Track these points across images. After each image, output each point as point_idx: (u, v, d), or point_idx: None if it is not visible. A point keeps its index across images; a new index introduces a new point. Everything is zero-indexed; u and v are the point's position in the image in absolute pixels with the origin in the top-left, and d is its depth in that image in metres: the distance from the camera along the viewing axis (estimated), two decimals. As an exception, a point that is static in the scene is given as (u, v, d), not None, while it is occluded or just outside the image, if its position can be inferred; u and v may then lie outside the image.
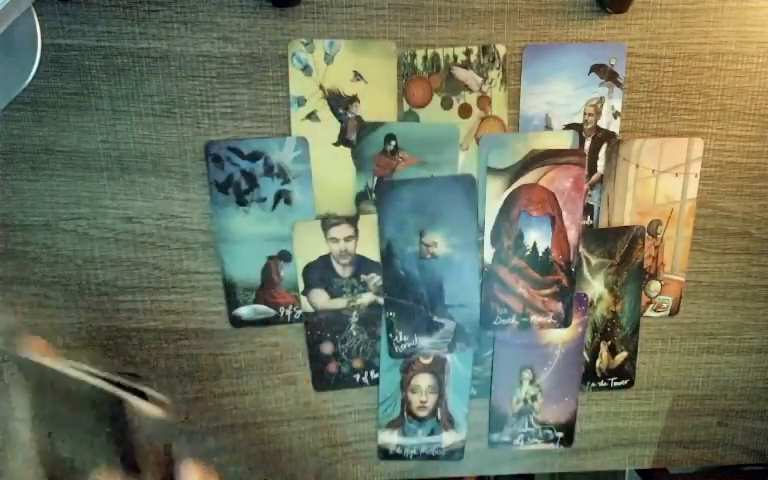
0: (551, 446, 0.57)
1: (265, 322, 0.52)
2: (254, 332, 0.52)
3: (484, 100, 0.48)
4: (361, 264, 0.51)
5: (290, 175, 0.48)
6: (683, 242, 0.52)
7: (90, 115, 0.46)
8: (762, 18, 0.47)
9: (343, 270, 0.51)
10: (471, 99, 0.48)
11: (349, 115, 0.48)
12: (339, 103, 0.47)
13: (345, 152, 0.48)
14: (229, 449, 0.55)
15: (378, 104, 0.47)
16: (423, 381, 0.54)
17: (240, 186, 0.48)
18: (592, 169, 0.50)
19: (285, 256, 0.50)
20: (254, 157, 0.48)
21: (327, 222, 0.50)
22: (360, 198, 0.49)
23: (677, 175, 0.50)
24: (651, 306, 0.54)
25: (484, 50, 0.47)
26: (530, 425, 0.56)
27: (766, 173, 0.51)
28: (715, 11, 0.47)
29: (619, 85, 0.48)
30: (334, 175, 0.49)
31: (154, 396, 0.39)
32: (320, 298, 0.51)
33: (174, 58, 0.46)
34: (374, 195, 0.49)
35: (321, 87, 0.47)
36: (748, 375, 0.57)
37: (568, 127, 0.49)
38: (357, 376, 0.53)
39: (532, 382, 0.55)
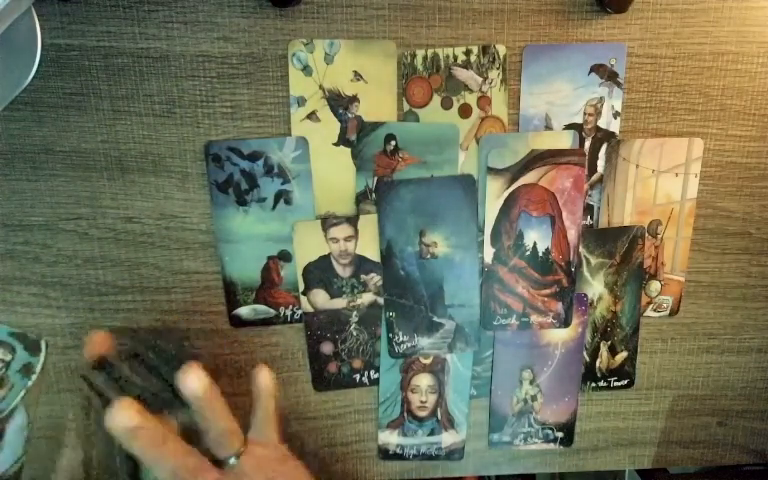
0: (551, 446, 0.57)
1: (265, 322, 0.52)
2: (254, 332, 0.52)
3: (484, 100, 0.48)
4: (361, 264, 0.51)
5: (290, 175, 0.48)
6: (683, 242, 0.52)
7: (90, 115, 0.46)
8: (762, 18, 0.47)
9: (343, 270, 0.51)
10: (471, 99, 0.48)
11: (349, 115, 0.48)
12: (339, 103, 0.47)
13: (345, 152, 0.48)
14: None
15: (378, 104, 0.47)
16: (423, 381, 0.54)
17: (240, 186, 0.48)
18: (592, 169, 0.50)
19: (285, 256, 0.50)
20: (254, 157, 0.48)
21: (327, 222, 0.50)
22: (360, 198, 0.49)
23: (677, 175, 0.50)
24: (651, 306, 0.54)
25: (484, 50, 0.47)
26: (530, 425, 0.56)
27: (766, 173, 0.51)
28: (715, 11, 0.47)
29: (619, 85, 0.48)
30: (334, 175, 0.49)
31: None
32: (320, 298, 0.51)
33: (174, 58, 0.46)
34: (374, 195, 0.49)
35: (321, 87, 0.47)
36: (748, 375, 0.57)
37: (568, 127, 0.49)
38: (357, 376, 0.53)
39: (532, 382, 0.55)
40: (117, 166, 0.48)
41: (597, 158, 0.50)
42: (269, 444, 0.42)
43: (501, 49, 0.47)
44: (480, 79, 0.47)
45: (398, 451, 0.56)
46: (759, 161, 0.51)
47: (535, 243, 0.51)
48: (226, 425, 0.39)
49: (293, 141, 0.48)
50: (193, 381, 0.37)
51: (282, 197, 0.49)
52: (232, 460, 0.39)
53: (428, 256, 0.50)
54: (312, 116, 0.47)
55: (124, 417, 0.34)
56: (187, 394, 0.37)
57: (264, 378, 0.43)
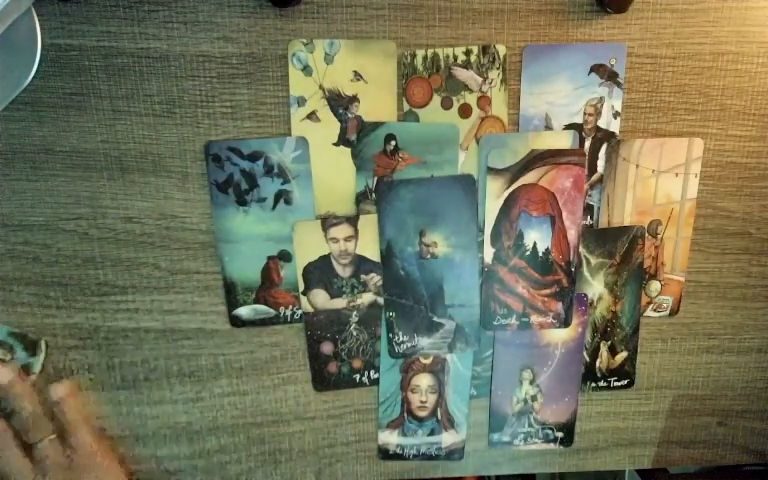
0: (551, 446, 0.57)
1: (265, 322, 0.52)
2: (254, 332, 0.52)
3: (484, 100, 0.48)
4: (361, 264, 0.51)
5: (290, 175, 0.48)
6: (683, 242, 0.52)
7: (90, 115, 0.46)
8: (762, 18, 0.47)
9: (343, 270, 0.51)
10: (471, 99, 0.48)
11: (349, 115, 0.48)
12: (339, 103, 0.47)
13: (345, 152, 0.48)
14: (229, 449, 0.55)
15: (378, 104, 0.47)
16: (423, 381, 0.54)
17: (240, 186, 0.48)
18: (592, 169, 0.50)
19: (285, 256, 0.50)
20: (254, 157, 0.48)
21: (327, 222, 0.50)
22: (360, 198, 0.49)
23: (677, 175, 0.50)
24: (651, 306, 0.54)
25: (484, 50, 0.47)
26: (530, 425, 0.56)
27: (766, 173, 0.51)
28: (715, 11, 0.47)
29: (619, 85, 0.48)
30: (334, 175, 0.49)
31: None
32: (320, 298, 0.51)
33: (174, 58, 0.46)
34: (374, 195, 0.49)
35: (321, 87, 0.47)
36: (748, 375, 0.57)
37: (568, 127, 0.49)
38: (357, 376, 0.53)
39: (532, 382, 0.55)
40: (117, 166, 0.48)
41: (597, 158, 0.50)
42: (79, 447, 0.49)
43: (501, 49, 0.47)
44: (480, 79, 0.47)
45: (398, 451, 0.56)
46: (759, 161, 0.51)
47: (535, 243, 0.51)
48: (30, 411, 0.48)
49: (293, 141, 0.48)
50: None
51: (282, 197, 0.49)
52: (39, 445, 0.48)
53: (428, 256, 0.50)
54: (312, 116, 0.47)
55: None
56: None
57: (55, 390, 0.50)
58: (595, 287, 0.53)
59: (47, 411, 0.49)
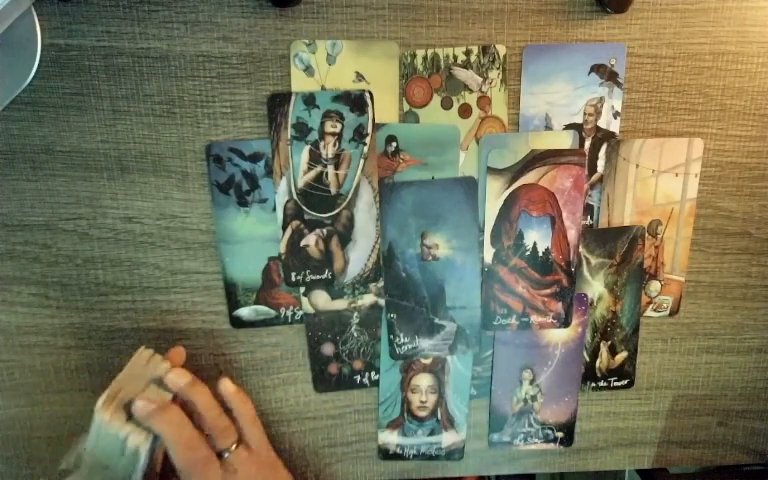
0: (551, 446, 0.57)
1: (266, 323, 0.52)
2: (254, 332, 0.52)
3: (484, 100, 0.48)
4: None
5: (290, 175, 0.48)
6: (683, 242, 0.52)
7: (90, 115, 0.46)
8: (762, 18, 0.47)
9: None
10: (471, 99, 0.48)
11: (349, 115, 0.48)
12: (339, 103, 0.47)
13: (345, 152, 0.48)
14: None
15: (379, 105, 0.47)
16: (423, 381, 0.54)
17: (241, 187, 0.48)
18: (592, 169, 0.50)
19: (285, 256, 0.50)
20: (255, 158, 0.48)
21: (327, 222, 0.49)
22: (360, 198, 0.49)
23: (677, 175, 0.50)
24: (651, 306, 0.54)
25: (484, 50, 0.47)
26: (530, 425, 0.56)
27: (766, 173, 0.51)
28: (715, 11, 0.47)
29: (619, 85, 0.48)
30: (334, 175, 0.49)
31: None
32: (321, 299, 0.51)
33: (174, 58, 0.46)
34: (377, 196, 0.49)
35: (323, 88, 0.47)
36: (748, 375, 0.57)
37: (568, 127, 0.49)
38: (358, 377, 0.53)
39: (532, 382, 0.55)
40: (117, 166, 0.48)
41: (597, 158, 0.50)
42: (258, 447, 0.46)
43: (501, 49, 0.47)
44: (480, 79, 0.47)
45: (398, 451, 0.56)
46: (759, 161, 0.51)
47: (535, 243, 0.51)
48: (214, 419, 0.44)
49: (293, 141, 0.48)
50: (177, 374, 0.44)
51: (282, 197, 0.49)
52: (226, 454, 0.44)
53: (429, 258, 0.50)
54: (312, 116, 0.47)
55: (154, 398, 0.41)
56: (171, 386, 0.43)
57: (225, 387, 0.46)
58: (595, 287, 0.53)
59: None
